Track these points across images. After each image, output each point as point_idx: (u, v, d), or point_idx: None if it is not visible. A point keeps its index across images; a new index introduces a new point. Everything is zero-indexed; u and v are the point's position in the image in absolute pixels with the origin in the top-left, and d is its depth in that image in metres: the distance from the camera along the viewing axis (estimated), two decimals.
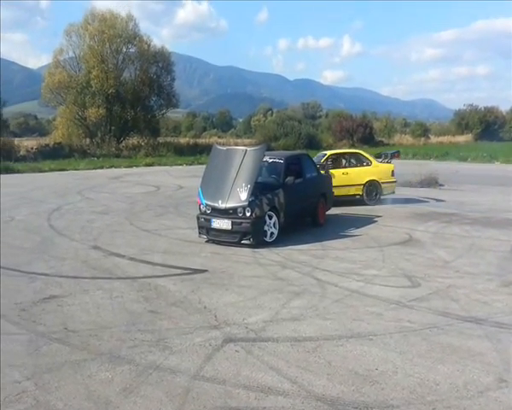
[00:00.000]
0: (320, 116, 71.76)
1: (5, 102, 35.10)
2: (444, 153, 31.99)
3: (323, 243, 7.94)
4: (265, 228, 7.70)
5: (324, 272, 6.21)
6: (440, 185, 15.82)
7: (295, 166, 8.99)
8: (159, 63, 35.28)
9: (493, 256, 6.99)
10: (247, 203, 7.44)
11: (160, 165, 26.40)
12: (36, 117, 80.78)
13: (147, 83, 34.15)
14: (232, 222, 7.53)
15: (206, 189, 7.95)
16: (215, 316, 4.68)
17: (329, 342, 4.10)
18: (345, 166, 12.34)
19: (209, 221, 7.77)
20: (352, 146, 38.69)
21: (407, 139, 51.07)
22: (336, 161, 12.46)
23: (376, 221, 9.82)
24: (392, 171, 12.28)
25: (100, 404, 3.17)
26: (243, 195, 7.46)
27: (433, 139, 53.78)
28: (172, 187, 16.01)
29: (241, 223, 7.49)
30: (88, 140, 33.00)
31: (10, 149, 25.50)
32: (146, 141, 33.93)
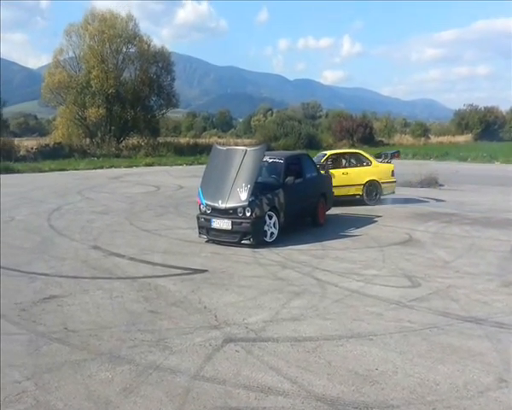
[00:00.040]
0: (320, 116, 71.78)
1: (5, 102, 35.11)
2: (444, 153, 32.00)
3: (323, 243, 7.94)
4: (265, 228, 7.70)
5: (324, 272, 6.21)
6: (440, 185, 15.83)
7: (295, 166, 8.99)
8: (159, 63, 35.30)
9: (493, 256, 6.99)
10: (247, 203, 7.44)
11: (159, 165, 26.40)
12: (36, 117, 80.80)
13: (147, 83, 34.17)
14: (232, 222, 7.53)
15: (206, 189, 7.95)
16: (215, 316, 4.68)
17: (329, 342, 4.10)
18: (345, 166, 12.34)
19: (209, 221, 7.77)
20: (352, 146, 38.69)
21: (407, 139, 51.09)
22: (336, 161, 12.47)
23: (376, 221, 9.82)
24: (392, 171, 12.28)
25: (100, 404, 3.17)
26: (243, 195, 7.46)
27: (433, 139, 53.82)
28: (172, 187, 16.02)
29: (241, 223, 7.49)
30: (88, 140, 33.02)
31: (10, 149, 25.50)
32: (146, 141, 33.94)
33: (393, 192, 12.38)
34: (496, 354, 3.85)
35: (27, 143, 29.10)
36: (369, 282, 5.78)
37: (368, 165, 12.24)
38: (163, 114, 37.32)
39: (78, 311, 4.85)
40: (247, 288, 5.57)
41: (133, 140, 35.03)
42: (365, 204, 11.86)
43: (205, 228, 7.90)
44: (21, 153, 26.21)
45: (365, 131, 44.34)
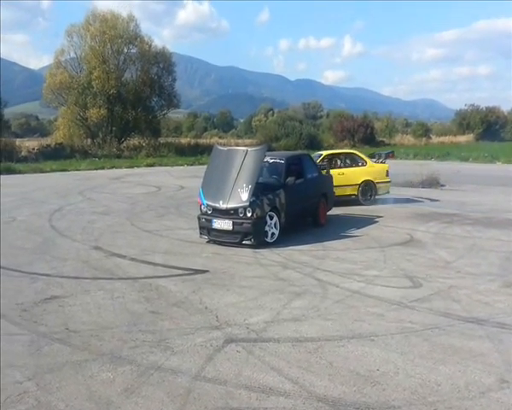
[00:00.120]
0: (321, 116, 71.78)
1: (6, 102, 35.13)
2: (445, 153, 31.98)
3: (324, 243, 7.94)
4: (266, 228, 7.70)
5: (325, 272, 6.21)
6: (442, 186, 15.82)
7: (296, 166, 8.99)
8: (160, 64, 35.31)
9: (495, 257, 6.98)
10: (248, 204, 7.44)
11: (161, 165, 26.41)
12: (37, 118, 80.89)
13: (148, 83, 34.18)
14: (233, 222, 7.53)
15: (207, 189, 7.95)
16: (216, 316, 4.68)
17: (331, 342, 4.10)
18: (340, 167, 12.35)
19: (210, 222, 7.77)
20: (354, 146, 38.66)
21: (408, 139, 51.06)
22: (332, 162, 12.49)
23: (377, 222, 9.82)
24: (387, 171, 12.37)
25: (101, 404, 3.17)
26: (244, 195, 7.46)
27: (435, 139, 53.78)
28: (173, 187, 16.02)
29: (242, 223, 7.49)
30: (89, 141, 33.05)
31: (12, 150, 25.53)
32: (147, 141, 33.96)
33: (388, 192, 12.49)
34: (497, 355, 3.84)
35: (29, 144, 29.14)
36: (371, 282, 5.77)
37: (363, 165, 12.33)
38: (164, 114, 37.32)
39: (80, 311, 4.86)
40: (248, 288, 5.57)
41: (134, 141, 35.04)
42: (370, 205, 11.87)
43: (206, 228, 7.90)
44: (23, 153, 26.24)
45: (366, 132, 44.32)
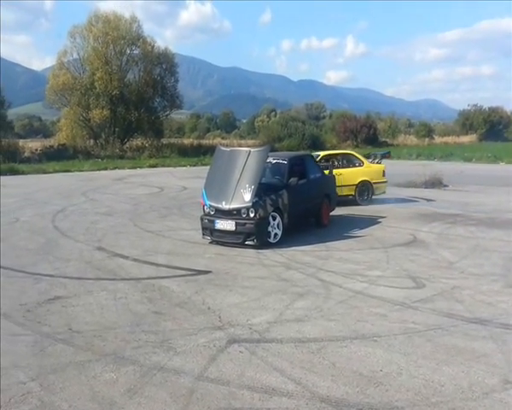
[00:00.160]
0: (324, 117, 71.77)
1: (10, 103, 35.28)
2: (448, 153, 31.92)
3: (327, 243, 7.93)
4: (269, 229, 7.70)
5: (328, 273, 6.20)
6: (445, 186, 15.78)
7: (299, 166, 8.98)
8: (162, 64, 35.39)
9: (498, 257, 6.96)
10: (250, 204, 7.44)
11: (163, 166, 26.46)
12: (40, 119, 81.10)
13: (150, 84, 34.25)
14: (236, 223, 7.53)
15: (210, 190, 7.95)
16: (219, 317, 4.68)
17: (334, 343, 4.09)
18: (337, 167, 12.35)
19: (213, 222, 7.77)
20: (356, 147, 38.66)
21: (411, 140, 51.00)
22: (329, 162, 12.49)
23: (380, 222, 9.80)
24: (383, 171, 12.44)
25: (104, 405, 3.17)
26: (247, 196, 7.46)
27: (438, 140, 53.69)
28: (176, 188, 16.04)
29: (245, 224, 7.50)
30: (92, 141, 33.14)
31: (15, 151, 25.66)
32: (150, 142, 34.03)
33: (384, 192, 12.57)
34: (501, 356, 3.83)
35: (32, 145, 29.26)
36: (374, 283, 5.76)
37: (360, 165, 12.37)
38: (167, 115, 37.38)
39: (83, 312, 4.87)
40: (250, 289, 5.57)
41: (137, 141, 35.14)
42: (368, 205, 11.87)
43: (208, 229, 7.90)
44: (26, 154, 26.36)
45: (369, 132, 44.29)
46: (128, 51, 33.85)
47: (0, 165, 21.69)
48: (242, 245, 7.54)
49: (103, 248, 7.66)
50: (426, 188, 15.34)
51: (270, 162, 8.66)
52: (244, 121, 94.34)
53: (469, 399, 3.21)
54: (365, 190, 12.13)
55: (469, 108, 60.50)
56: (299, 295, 5.34)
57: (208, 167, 8.77)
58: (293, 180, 8.29)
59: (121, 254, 7.25)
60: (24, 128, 65.57)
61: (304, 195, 8.59)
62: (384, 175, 12.40)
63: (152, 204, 12.37)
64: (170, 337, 4.21)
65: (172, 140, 38.55)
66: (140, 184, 17.30)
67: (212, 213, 7.81)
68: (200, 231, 8.11)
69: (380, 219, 10.02)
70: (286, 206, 8.00)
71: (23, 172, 21.29)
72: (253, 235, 7.48)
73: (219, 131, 72.67)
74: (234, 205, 7.55)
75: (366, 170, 12.20)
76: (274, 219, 7.77)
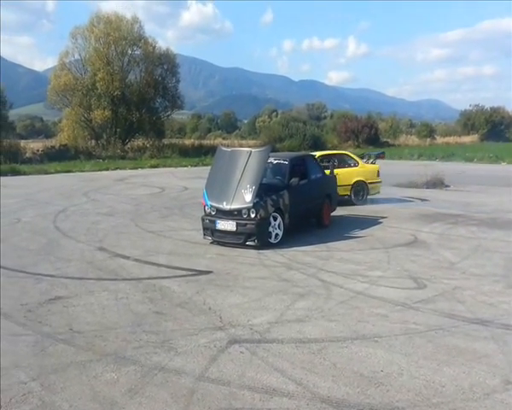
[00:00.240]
0: (325, 117, 71.79)
1: (11, 104, 35.32)
2: (450, 153, 31.89)
3: (328, 244, 7.93)
4: (270, 229, 7.70)
5: (329, 273, 6.20)
6: (446, 186, 15.77)
7: (300, 167, 8.98)
8: (164, 65, 35.41)
9: (499, 258, 6.95)
10: (251, 205, 7.44)
11: (164, 166, 26.47)
12: (42, 119, 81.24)
13: (152, 85, 34.28)
14: (237, 223, 7.53)
15: (211, 190, 7.96)
16: (220, 317, 4.68)
17: (334, 343, 4.09)
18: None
19: (214, 223, 7.77)
20: (358, 147, 38.65)
21: (413, 140, 50.98)
22: (324, 162, 12.51)
23: (381, 222, 9.79)
24: (378, 171, 12.55)
25: (105, 405, 3.18)
26: (248, 196, 7.46)
27: (439, 140, 53.67)
28: (177, 188, 16.05)
29: (246, 224, 7.50)
30: (93, 142, 33.16)
31: (16, 151, 25.69)
32: (151, 142, 34.07)
33: (379, 192, 12.68)
34: (502, 356, 3.83)
35: (33, 145, 29.29)
36: (375, 283, 5.76)
37: (355, 166, 12.45)
38: (168, 115, 37.42)
39: (84, 312, 4.88)
40: (251, 289, 5.57)
41: (138, 142, 35.17)
42: (369, 205, 11.88)
43: (209, 229, 7.90)
44: (27, 155, 26.39)
45: (370, 132, 44.26)
46: (129, 52, 33.90)
47: (0, 165, 21.73)
48: (243, 245, 7.54)
49: (104, 248, 7.67)
50: (427, 188, 15.33)
51: (271, 163, 8.66)
52: (245, 122, 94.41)
53: (470, 400, 3.21)
54: (360, 190, 12.23)
55: (471, 108, 60.49)
56: (300, 295, 5.34)
57: (209, 168, 8.78)
58: (294, 181, 8.29)
59: (122, 254, 7.25)
60: (26, 129, 65.70)
61: (305, 195, 8.59)
62: (378, 175, 12.51)
63: (153, 204, 12.39)
64: (171, 338, 4.21)
65: (174, 140, 38.61)
66: (141, 185, 17.31)
67: (213, 213, 7.81)
68: (201, 232, 8.11)
69: (381, 220, 10.01)
70: (287, 206, 8.00)
71: (25, 173, 21.32)
72: (254, 235, 7.48)
73: (220, 131, 72.74)
74: (235, 205, 7.55)
75: (361, 170, 12.30)
76: (275, 219, 7.77)
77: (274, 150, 13.97)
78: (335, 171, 11.91)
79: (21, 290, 5.56)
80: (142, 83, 34.14)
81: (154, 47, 34.94)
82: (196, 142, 39.75)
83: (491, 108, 59.15)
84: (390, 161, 26.63)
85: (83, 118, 33.11)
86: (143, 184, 17.69)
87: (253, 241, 7.50)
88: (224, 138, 50.30)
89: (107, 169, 24.43)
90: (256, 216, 7.46)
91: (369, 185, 12.27)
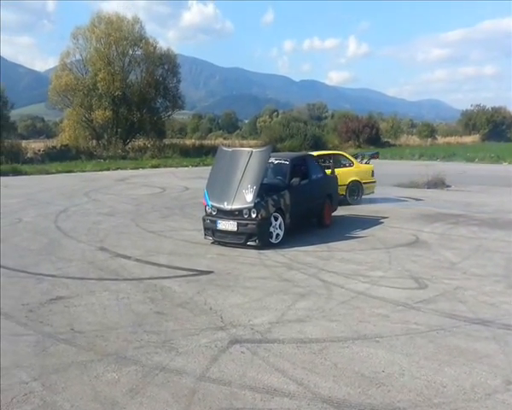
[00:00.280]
0: (326, 117, 71.80)
1: (12, 104, 35.31)
2: (451, 153, 31.86)
3: (329, 244, 7.92)
4: (271, 229, 7.70)
5: (330, 273, 6.19)
6: (447, 186, 15.76)
7: (301, 167, 8.99)
8: (165, 65, 35.40)
9: (501, 258, 6.94)
10: (252, 205, 7.44)
11: (165, 166, 26.49)
12: (43, 119, 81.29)
13: (153, 85, 34.28)
14: (238, 223, 7.53)
15: (212, 190, 7.96)
16: (221, 317, 4.68)
17: (335, 343, 4.09)
18: (329, 167, 12.40)
19: (215, 223, 7.77)
20: (358, 147, 38.63)
21: (414, 140, 50.97)
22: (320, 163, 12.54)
23: (382, 222, 9.79)
24: (372, 171, 12.70)
25: (106, 405, 3.18)
26: (249, 196, 7.46)
27: (440, 140, 53.63)
28: (178, 189, 16.06)
29: (247, 224, 7.50)
30: (94, 142, 33.18)
31: (18, 152, 25.72)
32: (152, 143, 34.07)
33: (373, 192, 12.79)
34: (503, 357, 3.82)
35: (34, 146, 29.31)
36: (376, 283, 5.76)
37: (350, 166, 12.55)
38: (169, 115, 37.40)
39: (85, 312, 4.88)
40: (252, 289, 5.57)
41: (139, 142, 35.17)
42: (369, 205, 11.89)
43: (210, 229, 7.90)
44: (29, 155, 26.40)
45: (371, 132, 44.24)
46: (130, 52, 33.89)
47: (2, 165, 21.76)
48: (244, 246, 7.54)
49: (105, 248, 7.67)
50: (428, 188, 15.33)
51: (271, 163, 8.66)
52: (246, 122, 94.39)
53: (471, 400, 3.21)
54: (355, 190, 12.33)
55: (472, 108, 60.44)
56: (301, 295, 5.34)
57: (210, 168, 8.78)
58: (295, 181, 8.29)
59: (123, 254, 7.26)
60: (27, 129, 65.78)
61: (306, 195, 8.59)
62: (373, 175, 12.66)
63: (154, 204, 12.39)
64: (172, 338, 4.21)
65: (174, 140, 38.59)
66: (142, 185, 17.32)
67: (214, 213, 7.81)
68: (202, 232, 8.12)
69: (382, 220, 10.01)
70: (288, 206, 8.00)
71: (26, 173, 21.34)
72: (255, 235, 7.48)
73: (221, 131, 72.75)
74: (236, 205, 7.55)
75: (356, 170, 12.41)
76: (276, 219, 7.77)
77: (275, 150, 13.98)
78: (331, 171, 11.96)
79: (22, 290, 5.57)
80: (143, 83, 34.14)
81: (155, 47, 34.96)
82: (197, 142, 39.74)
83: (492, 108, 59.09)
84: (391, 161, 26.62)
85: (84, 118, 33.12)
86: (144, 184, 17.70)
87: (254, 241, 7.50)
88: (224, 138, 50.31)
89: (108, 169, 24.44)
90: (257, 216, 7.46)
91: (364, 185, 12.38)
